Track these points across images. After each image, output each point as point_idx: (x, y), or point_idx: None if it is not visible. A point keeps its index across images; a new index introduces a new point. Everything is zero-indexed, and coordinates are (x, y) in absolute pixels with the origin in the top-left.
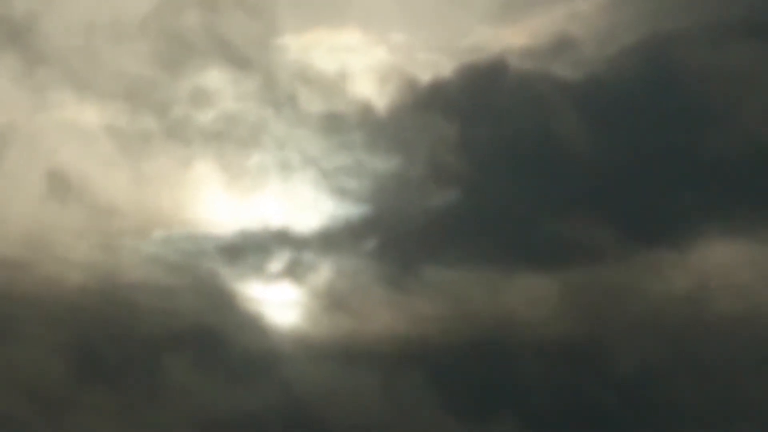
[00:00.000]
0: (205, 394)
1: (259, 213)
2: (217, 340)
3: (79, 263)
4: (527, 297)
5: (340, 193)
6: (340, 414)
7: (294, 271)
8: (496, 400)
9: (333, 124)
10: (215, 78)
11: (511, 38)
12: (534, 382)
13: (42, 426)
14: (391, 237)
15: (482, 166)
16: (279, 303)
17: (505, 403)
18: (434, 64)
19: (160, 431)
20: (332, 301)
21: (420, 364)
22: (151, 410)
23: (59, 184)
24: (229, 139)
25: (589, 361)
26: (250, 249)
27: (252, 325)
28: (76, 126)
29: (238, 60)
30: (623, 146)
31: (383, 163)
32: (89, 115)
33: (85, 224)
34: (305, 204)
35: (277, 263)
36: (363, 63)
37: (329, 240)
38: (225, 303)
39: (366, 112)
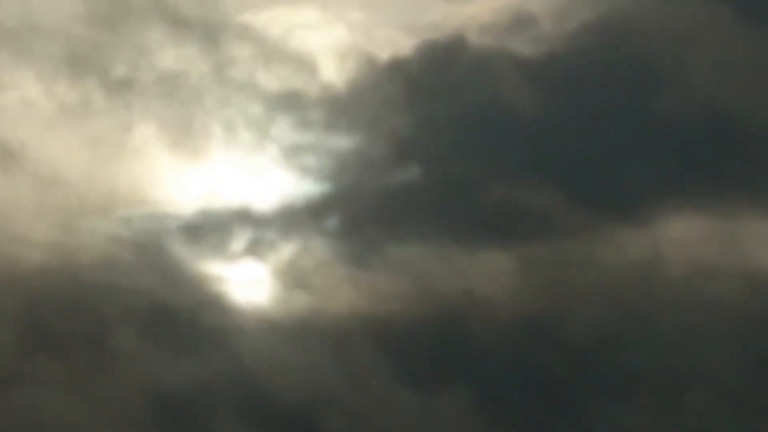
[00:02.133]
0: (166, 371)
1: (219, 191)
2: (178, 319)
3: (37, 242)
4: (488, 273)
5: (301, 171)
6: (294, 388)
7: (255, 250)
8: (452, 373)
9: (292, 102)
10: (172, 54)
11: (470, 15)
12: (491, 355)
13: None
14: (352, 215)
15: (442, 143)
16: (241, 281)
17: (461, 376)
18: (393, 42)
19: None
20: (294, 279)
21: (379, 340)
22: (107, 386)
23: (4, 157)
24: (188, 119)
25: (548, 335)
26: (211, 228)
27: (214, 303)
28: (15, 92)
29: (196, 38)
30: (583, 122)
31: (343, 141)
32: (27, 80)
33: (42, 201)
34: (266, 182)
35: (238, 242)
36: (321, 41)
37: (290, 218)
38: (186, 282)
39: (325, 90)
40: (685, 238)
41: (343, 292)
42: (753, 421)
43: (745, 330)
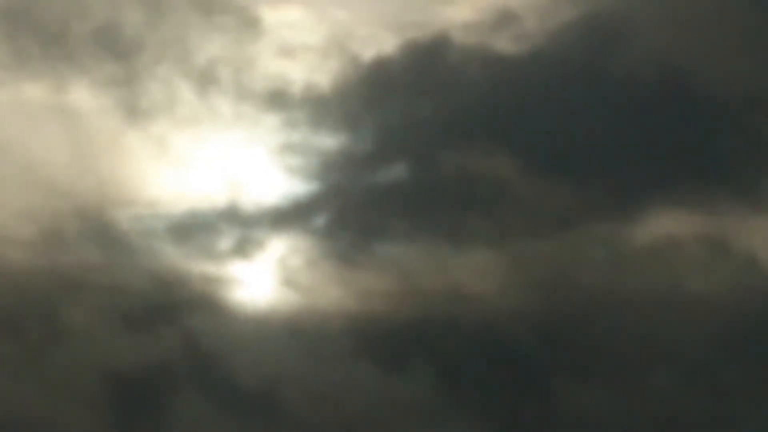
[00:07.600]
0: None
1: (205, 191)
2: (167, 319)
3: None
4: (476, 271)
5: (287, 170)
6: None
7: (243, 249)
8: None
9: (277, 102)
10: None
11: (454, 13)
12: (453, 331)
13: None
14: (339, 214)
15: (428, 141)
16: (228, 281)
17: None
18: (377, 41)
19: None
20: (282, 278)
21: (367, 337)
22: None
23: None
24: (176, 123)
25: (514, 313)
26: (199, 228)
27: (203, 303)
28: None
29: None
30: (569, 119)
31: (329, 140)
32: None
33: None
34: (252, 182)
35: (225, 241)
36: (305, 40)
37: (278, 218)
38: (175, 282)
39: (309, 89)
40: (664, 228)
41: (331, 290)
42: (718, 398)
43: (713, 307)
